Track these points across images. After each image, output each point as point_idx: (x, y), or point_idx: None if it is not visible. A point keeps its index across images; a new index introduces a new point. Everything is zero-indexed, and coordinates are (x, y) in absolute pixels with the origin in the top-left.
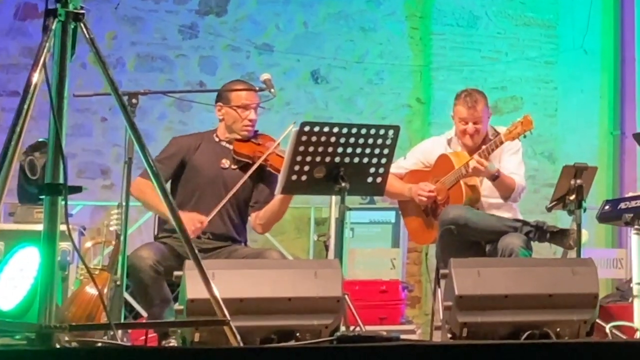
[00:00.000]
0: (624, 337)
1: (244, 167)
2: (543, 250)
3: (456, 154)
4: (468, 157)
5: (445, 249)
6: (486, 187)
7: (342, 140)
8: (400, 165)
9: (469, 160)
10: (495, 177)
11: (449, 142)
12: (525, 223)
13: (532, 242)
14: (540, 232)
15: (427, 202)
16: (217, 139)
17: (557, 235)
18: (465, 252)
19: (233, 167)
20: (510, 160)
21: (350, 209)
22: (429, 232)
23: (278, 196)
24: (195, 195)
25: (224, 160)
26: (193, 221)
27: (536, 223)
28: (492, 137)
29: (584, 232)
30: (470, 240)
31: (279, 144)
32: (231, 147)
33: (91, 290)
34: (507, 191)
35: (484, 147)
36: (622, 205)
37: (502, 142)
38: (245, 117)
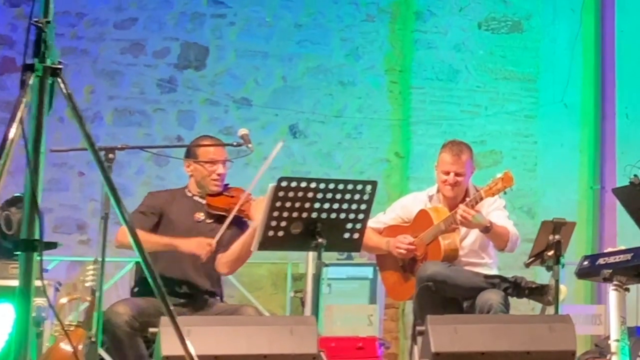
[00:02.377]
0: None
1: (219, 220)
2: (521, 306)
3: (435, 210)
4: (447, 212)
5: (422, 305)
6: (465, 246)
7: (320, 195)
8: (379, 219)
9: (455, 211)
10: (488, 229)
11: (430, 198)
12: (503, 279)
13: (510, 298)
14: (519, 288)
15: (406, 255)
16: (189, 194)
17: (536, 292)
18: (443, 309)
19: (208, 220)
20: (499, 215)
21: (327, 265)
22: (406, 288)
23: (242, 236)
24: (172, 251)
25: (197, 214)
26: (202, 245)
27: (514, 279)
28: (473, 194)
29: (562, 288)
30: (448, 297)
31: (250, 194)
32: (204, 201)
33: (66, 347)
34: (502, 241)
35: (465, 202)
36: (601, 261)
37: (482, 198)
38: (212, 172)
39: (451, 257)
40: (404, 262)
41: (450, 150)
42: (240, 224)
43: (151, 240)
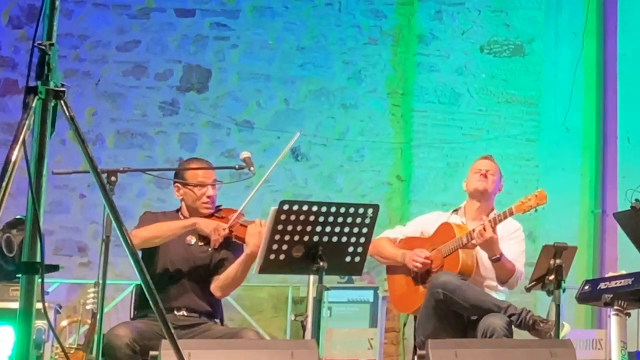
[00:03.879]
0: None
1: (210, 242)
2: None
3: (459, 225)
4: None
5: (429, 314)
6: (487, 268)
7: (321, 219)
8: (397, 230)
9: (475, 228)
10: (497, 259)
11: (456, 210)
12: (511, 306)
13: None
14: (524, 320)
15: (421, 268)
16: (181, 217)
17: (539, 324)
18: (447, 320)
19: (200, 243)
20: (512, 247)
21: (328, 289)
22: (413, 298)
23: (237, 261)
24: (167, 272)
25: (189, 237)
26: (218, 230)
27: (522, 310)
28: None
29: (566, 325)
30: (453, 309)
31: (242, 214)
32: None
33: None
34: (505, 275)
35: (493, 216)
36: (602, 286)
37: (512, 213)
38: (202, 195)
39: (467, 272)
40: (417, 272)
41: (482, 157)
42: (233, 247)
43: (174, 225)
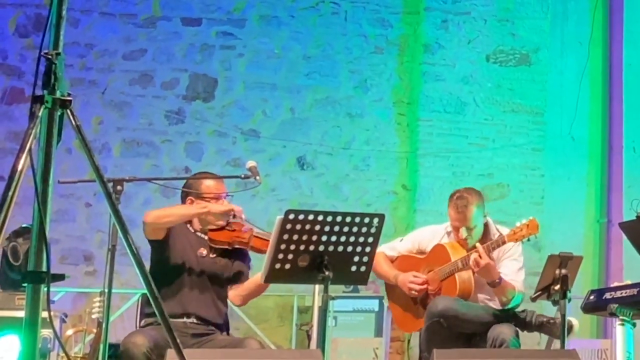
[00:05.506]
0: None
1: (223, 254)
2: (527, 339)
3: (452, 245)
4: (464, 250)
5: (431, 339)
6: (483, 285)
7: (327, 228)
8: (394, 247)
9: (470, 253)
10: (496, 284)
11: (449, 234)
12: (514, 313)
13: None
14: (530, 323)
15: (418, 294)
16: (192, 230)
17: (547, 325)
18: (451, 343)
19: (211, 255)
20: (510, 266)
21: (333, 298)
22: (415, 319)
23: (258, 274)
24: (181, 280)
25: (201, 249)
26: (231, 211)
27: (525, 313)
28: (493, 237)
29: (575, 322)
30: (457, 332)
31: (252, 230)
32: (206, 237)
33: None
34: (506, 298)
35: (485, 244)
36: (607, 296)
37: (504, 242)
38: None
39: (466, 294)
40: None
41: (455, 207)
42: (247, 256)
43: (185, 209)
